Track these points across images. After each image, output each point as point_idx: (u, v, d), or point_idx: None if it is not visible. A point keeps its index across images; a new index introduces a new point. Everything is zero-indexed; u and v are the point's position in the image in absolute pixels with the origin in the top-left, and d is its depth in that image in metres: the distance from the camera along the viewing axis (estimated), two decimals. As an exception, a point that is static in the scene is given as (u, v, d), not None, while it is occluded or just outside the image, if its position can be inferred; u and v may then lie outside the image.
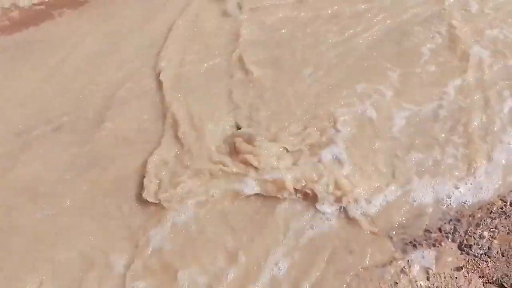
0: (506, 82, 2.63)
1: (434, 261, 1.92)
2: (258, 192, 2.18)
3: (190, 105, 2.54)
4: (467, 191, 2.14)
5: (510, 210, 2.07)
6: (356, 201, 2.08)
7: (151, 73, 2.77)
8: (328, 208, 2.09)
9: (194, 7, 3.23)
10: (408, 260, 1.91)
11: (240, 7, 3.13)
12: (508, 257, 1.92)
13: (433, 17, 3.03)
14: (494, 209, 2.08)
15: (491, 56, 2.78)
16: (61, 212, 2.16)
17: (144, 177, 2.26)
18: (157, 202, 2.18)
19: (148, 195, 2.19)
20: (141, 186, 2.24)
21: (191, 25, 3.08)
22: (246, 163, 2.26)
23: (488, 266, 1.90)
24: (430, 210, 2.08)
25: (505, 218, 2.05)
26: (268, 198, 2.17)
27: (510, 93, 2.57)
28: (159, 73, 2.74)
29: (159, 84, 2.69)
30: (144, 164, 2.31)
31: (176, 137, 2.43)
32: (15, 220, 2.12)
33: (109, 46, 2.91)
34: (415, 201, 2.12)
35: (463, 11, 3.07)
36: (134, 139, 2.46)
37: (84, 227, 2.11)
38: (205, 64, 2.77)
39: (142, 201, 2.20)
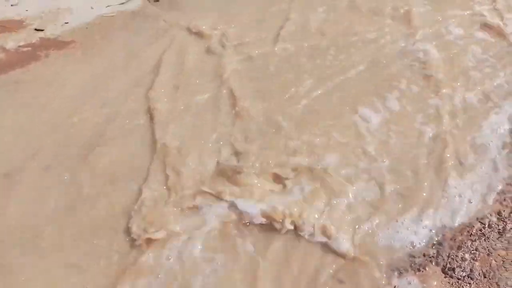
0: (480, 106, 2.79)
1: (420, 286, 1.99)
2: (245, 221, 2.23)
3: (180, 140, 2.60)
4: (445, 215, 2.23)
5: (489, 232, 2.16)
6: (340, 232, 2.15)
7: (138, 110, 2.83)
8: (314, 239, 2.15)
9: (178, 44, 3.33)
10: (394, 286, 1.97)
11: (223, 43, 3.25)
12: (489, 278, 2.00)
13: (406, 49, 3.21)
14: (474, 231, 2.17)
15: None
16: (48, 253, 2.16)
17: (131, 214, 2.29)
18: (146, 239, 2.21)
19: (136, 234, 2.21)
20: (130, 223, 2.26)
21: (176, 62, 3.17)
22: (236, 196, 2.32)
23: (471, 288, 1.97)
24: (413, 236, 2.16)
25: (485, 240, 2.13)
26: (256, 230, 2.22)
27: (483, 115, 2.73)
28: (147, 110, 2.80)
29: (147, 120, 2.76)
30: (133, 201, 2.34)
31: (165, 173, 2.47)
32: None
33: (95, 85, 2.97)
34: (397, 231, 2.20)
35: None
36: (122, 176, 2.49)
37: (72, 267, 2.10)
38: (194, 100, 2.85)
39: (131, 239, 2.22)
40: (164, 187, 2.39)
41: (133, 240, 2.20)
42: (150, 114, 2.80)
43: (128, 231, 2.23)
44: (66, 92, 2.91)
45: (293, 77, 3.02)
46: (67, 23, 3.37)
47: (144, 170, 2.49)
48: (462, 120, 2.71)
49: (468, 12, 3.57)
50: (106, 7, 3.55)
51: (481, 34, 3.42)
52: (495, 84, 2.97)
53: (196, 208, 2.28)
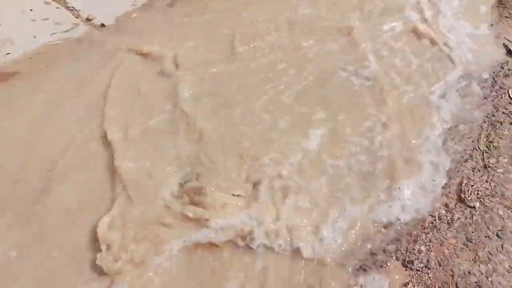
0: (419, 108, 3.02)
1: (384, 281, 2.12)
2: (214, 241, 2.26)
3: (139, 164, 2.59)
4: (399, 212, 2.40)
5: (439, 223, 2.35)
6: (303, 238, 2.24)
7: (93, 137, 2.78)
8: (278, 247, 2.23)
9: (127, 68, 3.31)
10: (361, 285, 2.08)
11: (175, 65, 3.28)
12: (444, 266, 2.17)
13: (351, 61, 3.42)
14: (426, 224, 2.35)
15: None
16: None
17: (97, 243, 2.26)
18: (115, 268, 2.18)
19: (102, 263, 2.18)
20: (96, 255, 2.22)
21: (127, 85, 3.16)
22: (199, 215, 2.35)
23: (429, 277, 2.13)
24: (372, 234, 2.30)
25: (437, 231, 2.31)
26: (222, 246, 2.26)
27: (423, 117, 2.96)
28: (102, 136, 2.76)
29: (103, 147, 2.72)
30: (96, 232, 2.30)
31: (127, 198, 2.46)
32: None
33: (46, 115, 2.89)
34: (355, 227, 2.34)
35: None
36: (83, 206, 2.44)
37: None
38: (150, 122, 2.85)
39: (99, 269, 2.18)
40: (127, 214, 2.37)
41: (100, 273, 2.16)
42: (106, 141, 2.76)
43: (94, 264, 2.19)
44: (15, 127, 2.80)
45: (246, 95, 3.10)
46: (9, 53, 3.25)
47: (105, 198, 2.46)
48: (405, 123, 2.93)
49: (401, 22, 3.86)
50: (51, 35, 3.46)
51: (415, 42, 3.72)
52: (432, 85, 3.25)
53: (162, 233, 2.28)
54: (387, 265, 2.18)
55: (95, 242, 2.27)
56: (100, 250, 2.23)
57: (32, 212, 2.39)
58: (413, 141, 2.80)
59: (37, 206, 2.42)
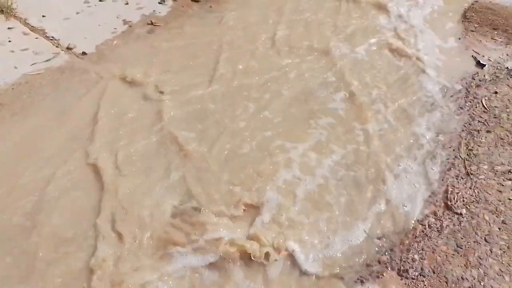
0: (399, 121, 3.13)
1: (382, 292, 2.15)
2: (213, 261, 2.25)
3: (130, 190, 2.57)
4: (391, 223, 2.46)
5: (430, 231, 2.41)
6: (301, 253, 2.27)
7: (79, 166, 2.75)
8: (275, 262, 2.25)
9: (111, 94, 3.31)
10: (360, 297, 2.11)
11: (159, 90, 3.30)
12: (438, 273, 2.22)
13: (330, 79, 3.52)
14: (417, 233, 2.41)
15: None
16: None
17: (91, 275, 2.21)
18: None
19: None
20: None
21: (112, 111, 3.14)
22: (195, 236, 2.34)
23: (425, 285, 2.17)
24: (365, 245, 2.35)
25: (428, 239, 2.37)
26: (222, 267, 2.25)
27: (403, 130, 3.07)
28: (89, 164, 2.73)
29: (91, 175, 2.69)
30: (89, 260, 2.26)
31: (120, 225, 2.42)
32: None
33: (29, 146, 2.84)
34: (350, 240, 2.38)
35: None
36: (72, 237, 2.38)
37: None
38: (137, 147, 2.84)
39: (93, 301, 2.13)
40: (122, 240, 2.33)
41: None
42: (94, 169, 2.73)
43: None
44: (-2, 158, 2.74)
45: (230, 116, 3.14)
46: (-11, 85, 3.20)
47: (95, 226, 2.41)
48: (388, 136, 3.02)
49: (376, 40, 4.02)
50: (31, 65, 3.43)
51: (389, 57, 3.87)
52: (409, 99, 3.38)
53: (161, 258, 2.25)
54: (383, 275, 2.22)
55: (88, 274, 2.21)
56: (95, 279, 2.18)
57: (21, 245, 2.31)
58: (397, 153, 2.89)
59: (27, 239, 2.35)
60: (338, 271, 2.22)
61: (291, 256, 2.26)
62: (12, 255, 2.29)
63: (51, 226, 2.43)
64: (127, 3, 4.37)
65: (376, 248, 2.35)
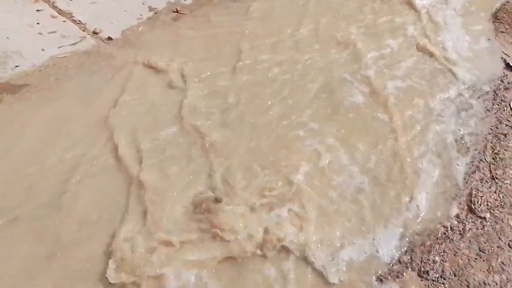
0: (425, 120, 3.09)
1: (401, 291, 2.14)
2: (231, 255, 2.27)
3: (152, 177, 2.59)
4: (412, 224, 2.44)
5: (452, 234, 2.39)
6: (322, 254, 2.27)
7: (104, 150, 2.78)
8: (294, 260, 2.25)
9: (136, 81, 3.33)
10: (380, 296, 2.11)
11: (183, 78, 3.31)
12: (459, 276, 2.20)
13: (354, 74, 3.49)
14: (439, 235, 2.39)
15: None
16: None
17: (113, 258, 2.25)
18: (128, 281, 2.17)
19: (113, 277, 2.17)
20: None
21: (137, 98, 3.17)
22: (215, 227, 2.36)
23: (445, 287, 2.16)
24: (387, 246, 2.33)
25: (450, 242, 2.35)
26: (240, 259, 2.27)
27: (429, 129, 3.02)
28: (114, 149, 2.77)
29: (115, 160, 2.72)
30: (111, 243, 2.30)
31: (140, 211, 2.46)
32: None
33: (55, 128, 2.88)
34: (373, 243, 2.36)
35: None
36: (96, 220, 2.42)
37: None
38: (160, 134, 2.86)
39: (112, 284, 2.16)
40: (144, 227, 2.36)
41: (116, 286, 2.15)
42: (118, 153, 2.76)
43: (107, 278, 2.17)
44: (25, 138, 2.78)
45: (253, 107, 3.13)
46: (17, 66, 3.25)
47: (120, 210, 2.45)
48: (413, 135, 2.98)
49: (402, 37, 3.96)
50: (58, 47, 3.47)
51: (417, 55, 3.81)
52: (435, 98, 3.32)
53: (181, 246, 2.28)
54: (403, 275, 2.21)
55: (110, 255, 2.25)
56: (114, 264, 2.22)
57: (46, 226, 2.36)
58: (422, 153, 2.85)
59: (50, 219, 2.39)
60: (357, 268, 2.21)
61: (309, 253, 2.25)
62: (39, 233, 2.34)
63: (76, 207, 2.47)
64: (153, -10, 4.36)
65: (398, 248, 2.33)
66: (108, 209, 2.47)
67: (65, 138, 2.82)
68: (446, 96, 3.34)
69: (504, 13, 4.41)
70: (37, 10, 3.79)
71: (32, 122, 2.90)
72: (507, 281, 2.15)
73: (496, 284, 2.14)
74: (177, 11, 4.13)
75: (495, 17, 4.36)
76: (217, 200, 2.47)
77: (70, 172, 2.63)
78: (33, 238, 2.33)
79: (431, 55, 3.78)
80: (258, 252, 2.26)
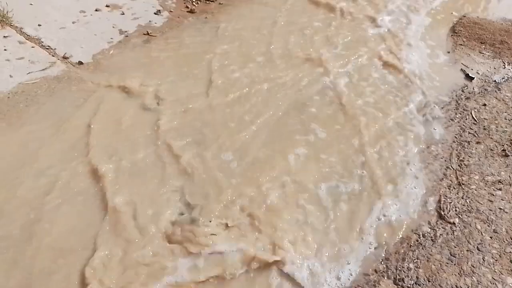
0: (392, 133, 3.21)
1: (379, 300, 2.19)
2: (214, 275, 2.27)
3: (129, 199, 2.58)
4: (385, 232, 2.51)
5: (424, 241, 2.47)
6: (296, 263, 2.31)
7: (77, 175, 2.74)
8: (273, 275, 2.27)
9: (108, 104, 3.32)
10: (358, 305, 2.15)
11: (157, 100, 3.33)
12: (433, 281, 2.27)
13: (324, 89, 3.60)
14: (412, 242, 2.47)
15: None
16: None
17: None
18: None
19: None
20: (88, 297, 2.17)
21: (110, 121, 3.16)
22: (192, 247, 2.36)
23: (420, 294, 2.22)
24: (362, 255, 2.39)
25: (422, 248, 2.43)
26: (221, 279, 2.27)
27: (397, 141, 3.14)
28: (88, 174, 2.74)
29: (89, 185, 2.68)
30: (90, 272, 2.25)
31: (117, 235, 2.43)
32: None
33: (26, 156, 2.83)
34: (346, 253, 2.42)
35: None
36: (72, 247, 2.38)
37: None
38: (136, 157, 2.86)
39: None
40: (121, 250, 2.34)
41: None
42: (92, 178, 2.73)
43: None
44: (-6, 167, 2.72)
45: (227, 127, 3.18)
46: (-15, 94, 3.19)
47: (95, 235, 2.41)
48: (381, 146, 3.09)
49: (366, 53, 4.13)
50: (27, 74, 3.43)
51: (381, 70, 3.97)
52: (401, 111, 3.46)
53: (161, 268, 2.26)
54: (379, 284, 2.26)
55: (90, 282, 2.21)
56: (92, 290, 2.18)
57: (19, 255, 2.30)
58: (391, 163, 2.96)
59: (25, 249, 2.33)
60: (334, 280, 2.25)
61: (287, 268, 2.28)
62: (10, 265, 2.27)
63: (50, 236, 2.41)
64: (123, 13, 4.41)
65: (372, 257, 2.39)
66: (84, 236, 2.43)
67: (37, 166, 2.77)
68: (410, 108, 3.49)
69: (462, 27, 4.68)
70: (4, 37, 3.75)
71: (2, 150, 2.83)
72: (478, 283, 2.24)
73: (468, 287, 2.23)
74: (148, 34, 4.16)
75: (453, 31, 4.62)
76: (193, 221, 2.47)
77: (44, 199, 2.58)
78: (5, 270, 2.26)
79: (394, 68, 3.95)
80: (239, 271, 2.27)
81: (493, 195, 2.73)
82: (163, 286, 2.21)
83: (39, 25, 4.00)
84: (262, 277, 2.26)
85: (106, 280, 2.23)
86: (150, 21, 4.36)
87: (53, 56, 3.70)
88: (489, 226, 2.54)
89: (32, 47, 3.74)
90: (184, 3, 4.75)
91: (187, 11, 4.62)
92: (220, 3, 4.84)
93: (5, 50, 3.63)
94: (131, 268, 2.28)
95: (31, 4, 4.23)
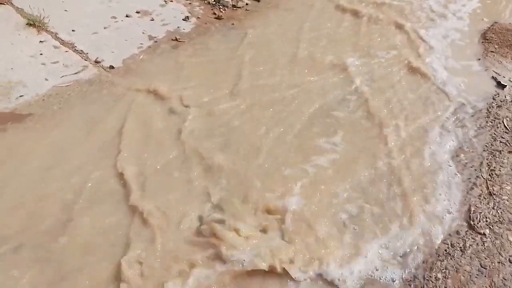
0: (419, 141, 3.16)
1: (405, 310, 2.15)
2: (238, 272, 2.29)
3: (156, 201, 2.63)
4: (414, 242, 2.47)
5: (453, 251, 2.42)
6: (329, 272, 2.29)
7: (107, 177, 2.82)
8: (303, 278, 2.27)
9: (137, 108, 3.40)
10: (384, 314, 2.11)
11: (184, 103, 3.39)
12: (462, 293, 2.22)
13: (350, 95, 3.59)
14: (440, 252, 2.41)
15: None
16: None
17: (119, 281, 2.26)
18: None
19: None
20: (117, 293, 2.22)
21: (139, 124, 3.23)
22: (219, 248, 2.38)
23: (449, 305, 2.17)
24: (390, 264, 2.36)
25: (451, 259, 2.38)
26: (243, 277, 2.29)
27: (426, 149, 3.09)
28: (117, 175, 2.81)
29: (118, 186, 2.75)
30: (116, 268, 2.31)
31: (145, 235, 2.48)
32: None
33: (58, 156, 2.93)
34: (375, 261, 2.38)
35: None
36: (101, 245, 2.44)
37: None
38: (163, 160, 2.91)
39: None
40: (149, 251, 2.38)
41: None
42: (121, 179, 2.80)
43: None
44: (28, 167, 2.82)
45: (252, 130, 3.20)
46: (21, 96, 3.32)
47: (123, 234, 2.47)
48: (409, 154, 3.05)
49: (395, 59, 4.08)
50: (61, 77, 3.56)
51: (409, 77, 3.92)
52: (429, 119, 3.41)
53: (187, 270, 2.29)
54: (406, 293, 2.22)
55: (115, 280, 2.26)
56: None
57: (50, 252, 2.38)
58: (418, 171, 2.91)
59: (56, 246, 2.41)
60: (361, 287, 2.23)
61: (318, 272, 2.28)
62: (42, 262, 2.35)
63: (80, 233, 2.49)
64: (152, 19, 4.51)
65: (400, 266, 2.35)
66: (112, 234, 2.49)
67: (68, 166, 2.86)
68: (439, 115, 3.42)
69: (493, 33, 4.57)
70: (40, 41, 3.90)
71: (36, 150, 2.94)
72: (510, 297, 2.17)
73: (499, 300, 2.16)
74: (176, 40, 4.25)
75: (484, 38, 4.52)
76: (223, 221, 2.50)
77: (74, 198, 2.66)
78: (38, 265, 2.34)
79: (423, 75, 3.89)
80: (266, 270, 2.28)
81: (526, 206, 2.65)
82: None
83: (73, 30, 4.14)
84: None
85: (137, 279, 2.27)
86: (178, 27, 4.45)
87: (85, 60, 3.82)
88: (521, 238, 2.46)
89: (66, 51, 3.88)
90: (212, 9, 4.83)
91: (215, 18, 4.69)
92: (246, 10, 4.89)
93: (41, 54, 3.77)
94: (160, 265, 2.32)
95: (66, 10, 4.39)
